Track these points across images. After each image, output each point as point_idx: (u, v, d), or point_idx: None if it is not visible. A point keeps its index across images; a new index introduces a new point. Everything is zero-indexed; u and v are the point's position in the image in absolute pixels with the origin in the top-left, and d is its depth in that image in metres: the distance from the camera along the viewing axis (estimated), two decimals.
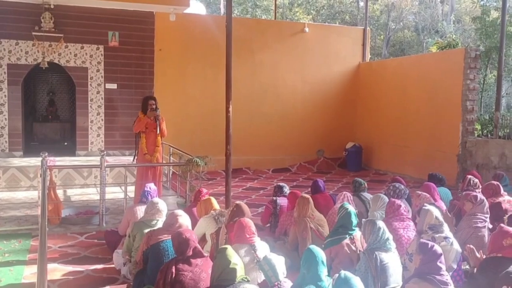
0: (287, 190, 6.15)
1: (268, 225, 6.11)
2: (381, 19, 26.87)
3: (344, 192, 5.82)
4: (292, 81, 12.06)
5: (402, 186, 6.16)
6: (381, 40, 27.14)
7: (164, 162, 8.31)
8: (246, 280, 3.29)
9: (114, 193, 8.05)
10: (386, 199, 5.48)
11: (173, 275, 3.59)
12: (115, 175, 8.73)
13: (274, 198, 6.15)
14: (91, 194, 8.25)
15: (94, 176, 8.69)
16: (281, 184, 6.37)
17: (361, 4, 25.58)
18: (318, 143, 12.25)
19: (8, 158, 9.11)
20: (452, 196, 6.76)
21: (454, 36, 17.76)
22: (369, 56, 13.27)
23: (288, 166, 11.84)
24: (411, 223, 5.02)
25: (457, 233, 5.15)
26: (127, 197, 6.99)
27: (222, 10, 24.11)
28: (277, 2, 15.43)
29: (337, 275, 2.99)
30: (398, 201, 5.20)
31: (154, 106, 7.24)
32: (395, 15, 26.65)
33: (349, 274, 2.95)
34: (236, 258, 3.31)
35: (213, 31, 10.67)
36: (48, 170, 6.19)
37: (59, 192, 7.41)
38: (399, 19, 26.98)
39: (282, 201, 5.99)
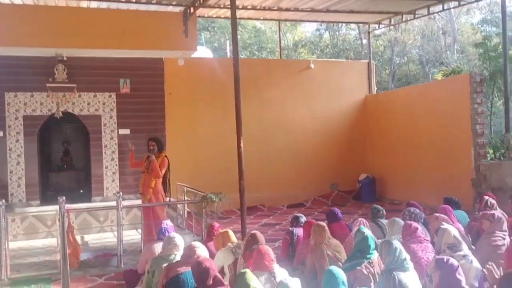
0: (303, 220, 6.15)
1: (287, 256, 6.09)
2: (385, 54, 27.32)
3: (359, 219, 5.82)
4: (300, 117, 12.23)
5: (418, 210, 6.15)
6: (387, 74, 27.51)
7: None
8: None
9: (130, 236, 8.10)
10: (402, 222, 5.46)
11: None
12: (131, 218, 8.79)
13: (290, 228, 6.17)
14: (108, 238, 8.30)
15: (111, 221, 8.77)
16: (297, 214, 6.39)
17: (365, 41, 26.11)
18: (331, 177, 12.26)
19: (25, 208, 9.23)
20: (469, 218, 6.71)
21: (458, 65, 17.98)
22: (376, 88, 13.45)
23: (303, 201, 11.83)
24: (429, 245, 4.98)
25: (476, 252, 5.09)
26: (144, 237, 7.04)
27: (229, 55, 24.73)
28: (281, 44, 15.90)
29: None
30: (414, 224, 5.18)
31: (151, 147, 7.63)
32: (398, 50, 27.10)
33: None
34: (255, 282, 3.34)
35: (220, 73, 10.95)
36: (66, 213, 6.30)
37: (77, 238, 7.48)
38: (403, 53, 27.42)
39: (299, 231, 5.99)
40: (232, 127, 7.55)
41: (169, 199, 7.99)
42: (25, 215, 8.60)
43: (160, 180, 7.65)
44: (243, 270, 3.54)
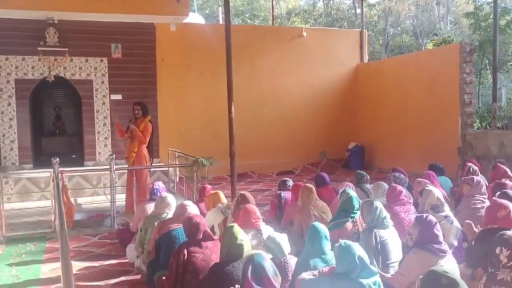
0: (290, 183, 6.33)
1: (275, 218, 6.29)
2: (379, 24, 27.20)
3: (346, 183, 6.01)
4: (291, 85, 12.30)
5: (402, 175, 6.35)
6: (380, 45, 27.45)
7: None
8: None
9: (122, 198, 8.25)
10: (387, 186, 5.66)
11: (185, 257, 3.79)
12: (123, 181, 8.91)
13: (278, 192, 6.35)
14: (100, 201, 8.47)
15: (103, 184, 8.91)
16: (285, 178, 6.57)
17: (359, 11, 25.92)
18: (320, 145, 12.44)
19: (18, 171, 9.34)
20: (453, 185, 6.93)
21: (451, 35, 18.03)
22: (367, 57, 13.51)
23: (292, 169, 12.03)
24: (412, 207, 5.19)
25: (457, 215, 5.31)
26: (136, 198, 7.21)
27: (221, 22, 24.50)
28: (274, 13, 15.77)
29: (337, 244, 3.17)
30: (399, 187, 5.37)
31: (136, 111, 7.82)
32: (392, 20, 26.99)
33: (349, 241, 3.13)
34: (242, 235, 3.51)
35: (212, 40, 10.94)
36: (60, 174, 6.45)
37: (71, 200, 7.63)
38: (397, 23, 27.31)
39: (287, 195, 6.17)
40: (223, 94, 7.64)
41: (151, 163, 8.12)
42: (18, 178, 8.72)
43: (145, 145, 7.80)
44: (231, 224, 3.72)
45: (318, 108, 12.53)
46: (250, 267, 2.71)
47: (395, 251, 4.06)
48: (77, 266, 5.13)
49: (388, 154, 11.82)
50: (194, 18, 14.24)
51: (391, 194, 5.27)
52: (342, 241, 3.17)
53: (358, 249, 3.07)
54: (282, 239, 3.85)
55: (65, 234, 3.28)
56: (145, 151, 7.82)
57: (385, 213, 4.24)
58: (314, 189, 5.42)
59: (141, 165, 7.74)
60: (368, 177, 6.76)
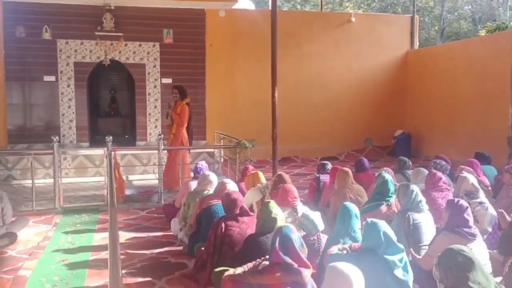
0: (329, 167, 6.45)
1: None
2: (436, 10, 26.31)
3: (385, 168, 6.07)
4: (338, 71, 12.29)
5: (444, 162, 6.34)
6: (435, 31, 26.59)
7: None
8: None
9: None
10: (426, 172, 5.67)
11: (223, 230, 4.06)
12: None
13: (317, 175, 6.50)
14: (149, 179, 8.92)
15: (153, 163, 9.36)
16: (324, 161, 6.71)
17: None
18: (366, 132, 12.40)
19: (76, 148, 9.96)
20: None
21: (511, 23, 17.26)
22: (418, 43, 13.23)
23: (336, 154, 12.07)
24: (450, 194, 5.20)
25: (496, 203, 5.28)
26: (181, 177, 7.58)
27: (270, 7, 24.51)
28: None
29: (364, 222, 3.31)
30: (439, 173, 5.39)
31: (174, 95, 8.23)
32: (450, 6, 26.03)
33: (375, 219, 3.27)
34: (277, 210, 3.71)
35: (260, 25, 11.07)
36: (113, 152, 6.89)
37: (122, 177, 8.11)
38: (454, 9, 26.32)
39: (325, 178, 6.31)
40: (269, 78, 7.84)
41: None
42: (75, 155, 9.32)
43: (183, 127, 8.13)
44: (267, 200, 3.93)
45: (365, 95, 12.46)
46: (278, 238, 2.90)
47: (428, 234, 4.13)
48: (125, 236, 5.53)
49: (435, 143, 11.61)
50: (244, 3, 14.43)
51: (430, 180, 5.30)
52: (369, 219, 3.31)
53: (384, 227, 3.20)
54: (316, 216, 4.03)
55: (115, 207, 3.57)
56: (183, 133, 8.15)
57: (421, 197, 4.32)
58: (350, 172, 5.53)
59: (177, 145, 8.08)
60: (410, 163, 6.78)
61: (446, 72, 11.31)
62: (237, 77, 11.56)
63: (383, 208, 4.75)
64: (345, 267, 2.40)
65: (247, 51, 11.44)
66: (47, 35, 9.86)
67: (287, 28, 11.12)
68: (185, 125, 8.17)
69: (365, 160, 6.75)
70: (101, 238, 5.47)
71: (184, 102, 8.17)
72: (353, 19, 12.25)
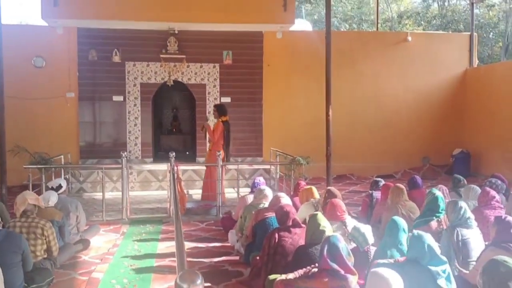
0: (382, 184, 6.58)
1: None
2: (500, 25, 25.48)
3: (439, 185, 6.12)
4: (394, 90, 12.30)
5: (499, 182, 6.28)
6: (499, 47, 25.72)
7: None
8: None
9: (228, 193, 9.05)
10: (479, 190, 5.69)
11: (276, 240, 4.33)
12: (230, 176, 9.75)
13: (370, 191, 6.64)
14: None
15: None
16: (377, 179, 6.84)
17: (476, 11, 24.54)
18: (423, 150, 12.27)
19: (141, 164, 10.62)
20: None
21: None
22: (477, 61, 12.99)
23: (393, 172, 12.03)
24: (503, 211, 5.20)
25: None
26: (240, 192, 7.94)
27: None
28: (385, 16, 15.75)
29: (411, 234, 3.48)
30: (493, 192, 5.39)
31: (214, 113, 8.68)
32: None
33: (421, 232, 3.43)
34: (324, 222, 3.94)
35: (316, 45, 11.35)
36: (175, 167, 7.37)
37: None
38: None
39: (378, 194, 6.44)
40: (323, 97, 8.11)
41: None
42: (140, 170, 9.95)
43: (219, 143, 8.44)
44: (315, 212, 4.17)
45: (422, 113, 12.37)
46: (326, 246, 3.14)
47: (477, 250, 4.20)
48: (187, 245, 5.91)
49: (496, 162, 11.30)
50: (301, 24, 14.83)
51: (483, 198, 5.32)
52: (415, 231, 3.48)
53: (429, 239, 3.36)
54: (366, 230, 4.22)
55: (180, 217, 3.91)
56: (219, 149, 8.34)
57: (469, 214, 4.40)
58: (404, 189, 5.65)
59: (212, 161, 8.33)
60: (465, 181, 6.78)
61: (507, 90, 11.04)
62: (293, 96, 11.87)
63: (433, 224, 4.85)
64: (385, 271, 2.60)
65: (303, 71, 11.74)
66: (116, 58, 10.66)
67: (342, 48, 11.36)
68: (219, 141, 8.45)
69: (418, 178, 6.82)
70: (164, 246, 5.90)
71: (220, 120, 8.52)
72: (409, 38, 12.27)
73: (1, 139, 7.07)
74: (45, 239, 4.70)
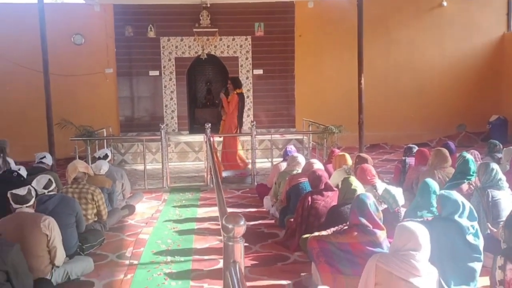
0: (415, 150, 6.65)
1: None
2: None
3: (472, 150, 6.16)
4: (429, 56, 12.13)
5: None
6: None
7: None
8: None
9: (261, 162, 9.30)
10: None
11: (309, 203, 4.56)
12: (263, 146, 9.98)
13: (403, 158, 6.73)
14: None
15: (245, 150, 10.07)
16: (411, 145, 6.91)
17: None
18: (458, 118, 12.12)
19: (177, 136, 10.98)
20: None
21: None
22: None
23: (427, 140, 11.95)
24: None
25: None
26: (273, 161, 8.18)
27: None
28: None
29: (438, 193, 3.62)
30: None
31: (229, 86, 8.86)
32: None
33: (449, 191, 3.57)
34: (356, 183, 4.13)
35: (348, 13, 11.23)
36: (211, 137, 7.66)
37: None
38: None
39: (411, 160, 6.51)
40: (356, 67, 8.14)
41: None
42: (178, 142, 10.30)
43: (232, 115, 8.69)
44: (347, 176, 4.36)
45: (458, 80, 12.18)
46: (356, 203, 3.34)
47: (507, 211, 4.28)
48: None
49: None
50: None
51: None
52: (442, 191, 3.62)
53: (458, 196, 3.50)
54: (397, 192, 4.38)
55: (219, 181, 4.11)
56: (233, 120, 8.69)
57: (501, 176, 4.49)
58: (448, 154, 5.65)
59: (227, 132, 8.67)
60: (501, 146, 6.77)
61: None
62: (326, 66, 11.89)
63: (464, 186, 4.95)
64: (411, 224, 2.78)
65: (336, 40, 11.70)
66: (151, 34, 10.94)
67: (375, 15, 11.22)
68: (234, 113, 8.70)
69: (452, 144, 6.86)
70: (203, 212, 6.23)
71: (235, 92, 8.72)
72: (444, 3, 11.98)
73: (48, 113, 7.49)
74: (95, 204, 5.09)
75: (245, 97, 8.86)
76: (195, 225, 5.64)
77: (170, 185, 7.72)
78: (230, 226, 1.88)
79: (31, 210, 3.88)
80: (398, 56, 12.06)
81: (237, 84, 8.92)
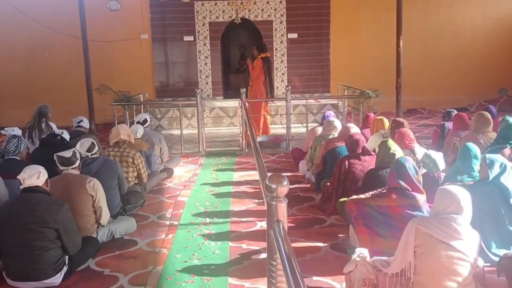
0: (454, 114, 6.49)
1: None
2: None
3: None
4: (471, 18, 11.64)
5: None
6: None
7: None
8: None
9: (296, 127, 9.28)
10: None
11: (346, 167, 4.56)
12: (298, 111, 9.95)
13: (442, 122, 6.60)
14: (276, 127, 9.68)
15: (280, 115, 10.07)
16: (449, 109, 6.75)
17: None
18: (500, 82, 11.67)
19: (212, 101, 11.04)
20: None
21: None
22: None
23: (467, 105, 11.63)
24: None
25: None
26: (309, 126, 8.16)
27: None
28: None
29: (484, 155, 3.56)
30: None
31: (254, 51, 8.78)
32: None
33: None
34: (395, 147, 4.09)
35: None
36: (246, 102, 7.67)
37: None
38: None
39: (450, 125, 6.38)
40: (394, 30, 7.92)
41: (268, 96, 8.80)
42: (212, 107, 10.38)
43: (258, 80, 8.60)
44: (385, 139, 4.31)
45: (500, 42, 11.68)
46: (395, 166, 3.32)
47: None
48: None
49: None
50: None
51: None
52: (487, 155, 3.55)
53: (503, 159, 3.44)
54: (438, 156, 4.33)
55: (257, 145, 4.14)
56: (260, 86, 8.60)
57: None
58: (491, 118, 5.51)
59: (254, 97, 8.59)
60: None
61: None
62: (362, 29, 11.59)
63: (506, 151, 4.82)
64: (453, 187, 2.75)
65: (372, 2, 11.35)
66: None
67: None
68: (260, 78, 8.61)
69: (493, 107, 6.70)
70: (239, 176, 6.33)
71: (260, 57, 8.61)
72: None
73: (87, 79, 7.65)
74: (136, 167, 5.24)
75: (271, 61, 8.74)
76: (231, 189, 5.74)
77: (206, 149, 7.84)
78: (274, 186, 1.92)
79: (77, 172, 4.03)
80: (438, 17, 11.63)
81: (262, 48, 8.83)
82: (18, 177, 3.42)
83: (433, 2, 11.55)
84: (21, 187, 3.42)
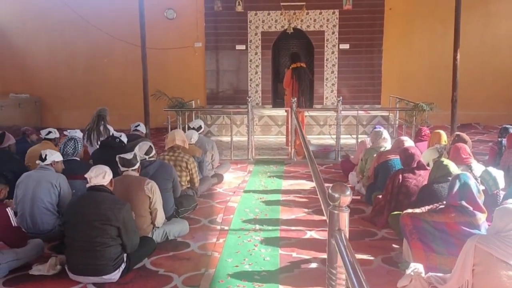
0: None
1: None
2: None
3: None
4: None
5: None
6: None
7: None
8: None
9: (345, 139, 9.23)
10: None
11: (400, 181, 4.51)
12: (347, 123, 9.89)
13: (499, 139, 6.38)
14: (325, 138, 9.66)
15: (329, 125, 10.04)
16: (507, 125, 6.53)
17: None
18: None
19: (261, 109, 11.15)
20: None
21: None
22: None
23: None
24: None
25: None
26: (358, 137, 8.09)
27: None
28: None
29: None
30: None
31: (289, 62, 8.82)
32: None
33: None
34: (453, 166, 4.00)
35: None
36: (297, 112, 7.72)
37: None
38: None
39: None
40: (450, 41, 7.75)
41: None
42: (261, 115, 10.49)
43: (289, 89, 8.56)
44: (441, 159, 4.23)
45: None
46: (457, 183, 3.26)
47: None
48: (309, 185, 6.31)
49: None
50: None
51: None
52: None
53: None
54: (498, 174, 4.20)
55: (311, 154, 4.14)
56: (289, 95, 8.52)
57: None
58: None
59: (287, 106, 8.57)
60: None
61: None
62: (416, 40, 11.41)
63: None
64: None
65: (428, 13, 11.16)
66: (239, 8, 11.09)
67: None
68: (290, 88, 8.54)
69: None
70: (288, 184, 6.36)
71: (291, 67, 8.60)
72: None
73: (144, 85, 7.93)
74: (189, 172, 5.38)
75: (305, 71, 8.68)
76: (280, 197, 5.79)
77: (255, 157, 7.93)
78: (337, 195, 1.96)
79: (136, 174, 4.21)
80: (497, 30, 11.29)
81: (293, 59, 8.86)
82: (85, 175, 3.62)
83: (492, 13, 11.22)
84: (87, 185, 3.61)
